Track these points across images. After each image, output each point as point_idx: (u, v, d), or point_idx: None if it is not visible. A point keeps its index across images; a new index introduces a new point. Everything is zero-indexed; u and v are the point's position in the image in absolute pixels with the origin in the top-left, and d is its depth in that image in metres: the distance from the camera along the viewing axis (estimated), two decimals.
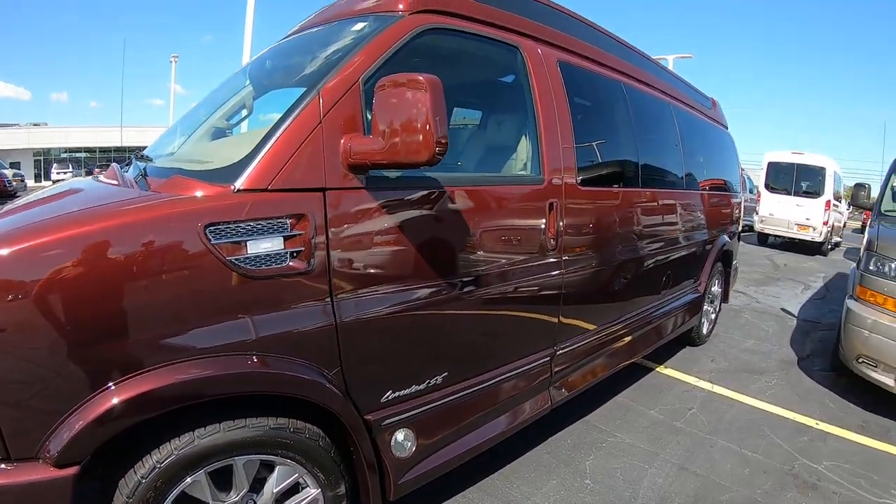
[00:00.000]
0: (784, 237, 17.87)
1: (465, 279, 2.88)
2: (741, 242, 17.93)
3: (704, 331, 6.78)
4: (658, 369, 5.90)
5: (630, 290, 4.62)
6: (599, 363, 4.32)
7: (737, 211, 7.54)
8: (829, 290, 11.33)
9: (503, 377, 3.30)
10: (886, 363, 4.98)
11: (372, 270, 2.43)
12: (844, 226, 22.64)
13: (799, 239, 17.31)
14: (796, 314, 9.01)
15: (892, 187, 6.78)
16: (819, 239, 16.91)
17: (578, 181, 3.61)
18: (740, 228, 7.98)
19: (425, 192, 2.62)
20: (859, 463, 4.26)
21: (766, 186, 17.89)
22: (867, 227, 6.36)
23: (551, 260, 3.43)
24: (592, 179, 3.92)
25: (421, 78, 2.05)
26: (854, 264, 6.14)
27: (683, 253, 5.54)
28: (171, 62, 50.24)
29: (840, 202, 18.57)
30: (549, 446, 4.15)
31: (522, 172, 3.45)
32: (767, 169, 17.98)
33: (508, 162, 3.58)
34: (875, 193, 7.01)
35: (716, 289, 7.00)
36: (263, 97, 3.40)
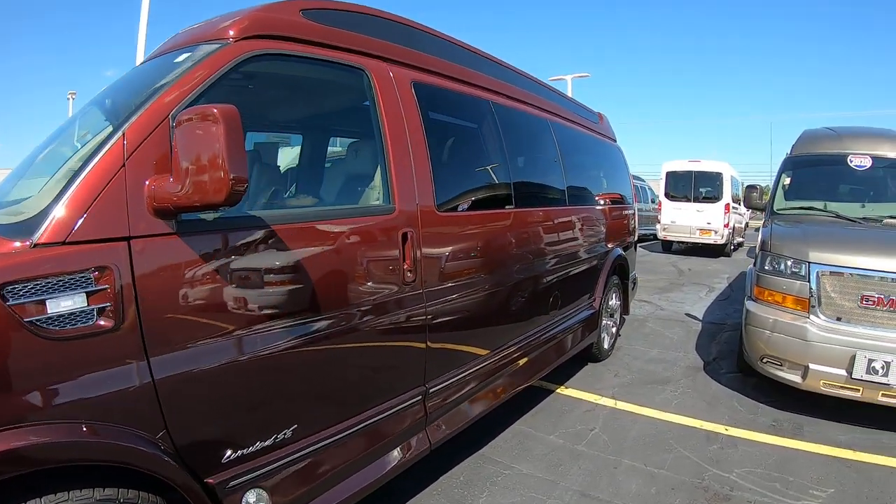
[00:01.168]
0: (687, 243, 18.39)
1: (306, 322, 2.62)
2: (645, 251, 18.45)
3: (606, 345, 6.64)
4: (559, 390, 5.69)
5: (513, 315, 4.42)
6: (486, 393, 4.09)
7: (631, 222, 7.52)
8: (734, 290, 11.51)
9: (366, 423, 3.03)
10: (791, 360, 4.96)
11: (190, 322, 2.18)
12: (746, 226, 23.53)
13: (702, 243, 17.81)
14: (701, 318, 9.05)
15: (783, 186, 6.87)
16: (721, 241, 17.43)
17: (437, 207, 3.41)
18: (636, 239, 7.97)
19: (249, 233, 2.38)
20: (773, 465, 4.16)
21: (666, 195, 18.38)
22: (761, 227, 6.42)
23: (410, 293, 3.20)
24: (456, 204, 3.73)
25: (214, 110, 1.89)
26: (751, 266, 6.16)
27: (571, 270, 5.40)
28: (68, 99, 48.05)
29: (739, 204, 19.16)
30: (440, 485, 3.86)
31: (371, 203, 3.23)
32: (666, 178, 18.52)
33: (355, 192, 3.38)
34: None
35: (614, 302, 6.88)
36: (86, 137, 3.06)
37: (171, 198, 1.99)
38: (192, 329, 2.18)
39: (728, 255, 18.21)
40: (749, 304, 5.46)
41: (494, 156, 4.36)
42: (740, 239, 21.30)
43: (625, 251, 7.04)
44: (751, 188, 7.19)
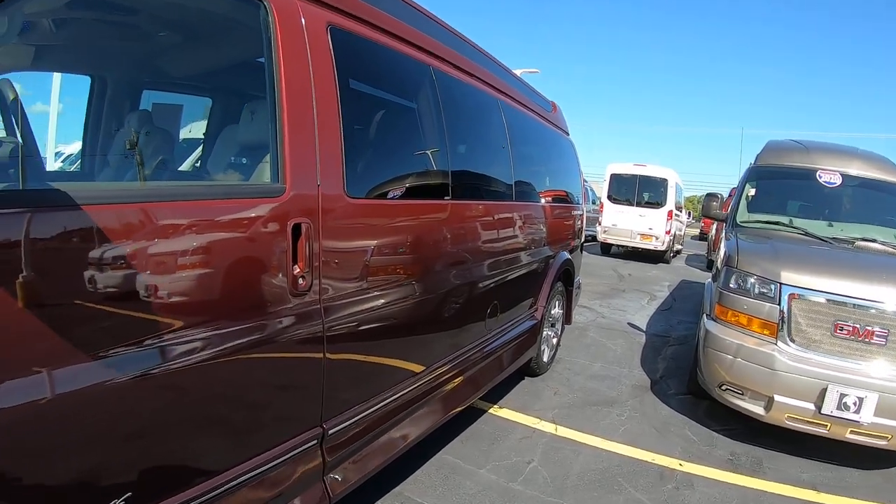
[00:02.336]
0: (627, 247, 18.03)
1: (128, 351, 1.75)
2: (585, 253, 18.08)
3: (546, 358, 5.99)
4: (492, 410, 5.01)
5: (438, 331, 3.70)
6: (404, 429, 3.34)
7: (578, 223, 6.90)
8: (676, 300, 11.11)
9: (231, 485, 2.13)
10: (754, 390, 4.47)
11: None
12: (684, 234, 23.40)
13: (642, 248, 17.47)
14: (644, 328, 8.53)
15: (747, 197, 6.37)
16: (662, 248, 17.16)
17: (347, 191, 2.62)
18: (582, 241, 7.35)
19: (36, 216, 1.53)
20: None
21: (609, 198, 18.02)
22: (723, 240, 5.89)
23: (301, 307, 2.39)
24: (375, 190, 3.02)
25: None
26: (709, 279, 5.64)
27: (514, 275, 4.73)
28: None
29: (681, 212, 19.00)
30: None
31: (250, 181, 2.50)
32: (610, 180, 18.16)
33: (231, 167, 2.67)
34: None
35: (557, 311, 6.24)
36: None
37: None
38: None
39: (667, 262, 18.01)
40: (709, 325, 4.90)
41: (431, 134, 3.62)
42: (679, 246, 21.22)
43: (571, 255, 6.40)
44: (711, 196, 6.62)
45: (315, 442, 2.57)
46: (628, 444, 4.54)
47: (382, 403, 3.07)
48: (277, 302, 2.27)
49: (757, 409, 4.48)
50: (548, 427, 4.76)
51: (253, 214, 2.16)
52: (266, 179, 2.40)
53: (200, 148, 3.21)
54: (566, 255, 6.11)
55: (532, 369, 5.79)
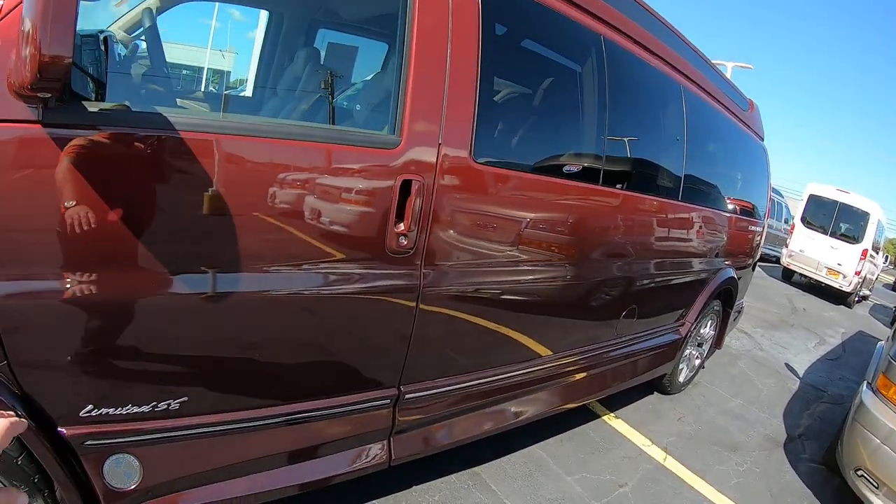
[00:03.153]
0: (810, 278, 16.40)
1: (221, 273, 1.93)
2: (763, 274, 16.75)
3: (682, 378, 5.44)
4: (605, 417, 4.60)
5: (552, 325, 3.36)
6: (489, 415, 3.11)
7: (757, 240, 6.14)
8: (846, 352, 9.90)
9: (296, 416, 2.27)
10: (893, 487, 3.67)
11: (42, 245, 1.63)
12: (877, 279, 20.99)
13: (826, 284, 15.81)
14: (801, 374, 7.60)
15: None
16: (847, 288, 15.42)
17: (474, 155, 2.38)
18: (756, 261, 6.52)
19: (146, 138, 1.70)
20: None
21: (803, 220, 16.43)
22: None
23: (398, 267, 2.30)
24: (509, 158, 2.73)
25: None
26: (884, 341, 4.80)
27: (659, 283, 4.23)
28: None
29: (878, 253, 17.05)
30: (401, 499, 2.96)
31: (373, 130, 2.36)
32: (807, 202, 16.49)
33: (346, 112, 2.59)
34: None
35: (707, 330, 5.59)
36: None
37: (9, 75, 1.45)
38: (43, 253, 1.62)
39: (849, 306, 16.17)
40: (866, 395, 4.11)
41: (588, 110, 3.20)
42: (867, 291, 19.03)
43: (738, 273, 5.70)
44: None
45: (389, 401, 2.52)
46: (735, 501, 3.97)
47: (470, 383, 2.88)
48: (375, 256, 2.23)
49: None
50: (657, 454, 4.28)
51: (361, 165, 2.13)
52: (385, 130, 2.23)
53: (348, 91, 3.03)
54: (731, 272, 5.43)
55: (664, 386, 5.28)
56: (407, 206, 2.18)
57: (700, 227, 4.55)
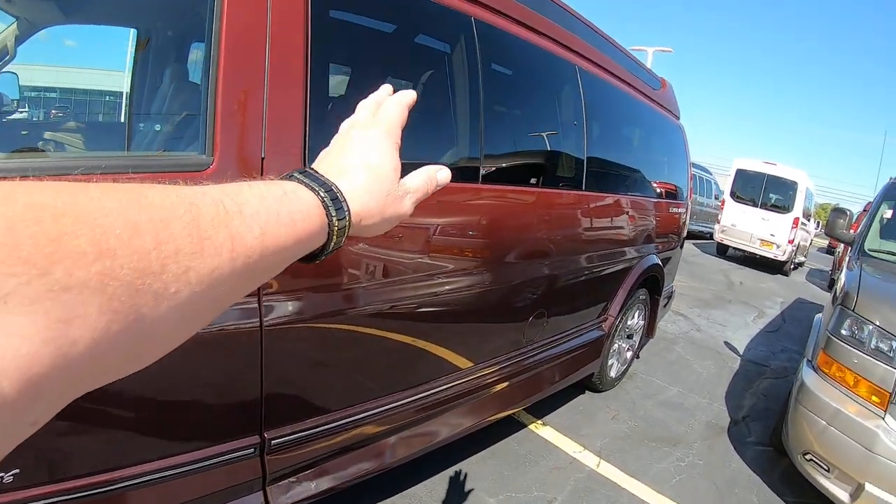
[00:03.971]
0: (745, 251, 16.60)
1: None
2: (697, 251, 16.82)
3: (613, 373, 5.17)
4: (532, 426, 4.30)
5: (452, 338, 3.02)
6: (394, 444, 2.76)
7: (680, 223, 5.94)
8: (786, 321, 9.88)
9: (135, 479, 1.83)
10: (844, 470, 3.47)
11: None
12: (810, 245, 21.34)
13: (760, 255, 16.01)
14: (741, 351, 7.46)
15: (881, 220, 5.21)
16: (782, 257, 15.60)
17: (308, 165, 1.94)
18: (682, 242, 6.32)
19: None
20: None
21: (732, 195, 16.62)
22: (844, 269, 4.75)
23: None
24: None
25: None
26: (821, 314, 4.62)
27: (576, 279, 3.94)
28: None
29: (809, 220, 17.28)
30: None
31: (166, 152, 2.01)
32: (735, 176, 16.71)
33: (143, 134, 2.24)
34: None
35: (635, 321, 5.35)
36: None
37: None
38: None
39: (786, 274, 16.36)
40: (807, 374, 3.92)
41: (459, 100, 2.84)
42: (802, 258, 19.32)
43: (664, 259, 5.49)
44: (838, 211, 5.34)
45: (253, 450, 2.13)
46: (676, 501, 3.72)
47: (358, 416, 2.52)
48: None
49: (841, 494, 3.49)
50: (590, 460, 4.00)
51: None
52: (193, 149, 1.80)
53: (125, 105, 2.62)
54: (655, 259, 5.20)
55: (594, 384, 4.99)
56: None
57: (612, 215, 4.29)
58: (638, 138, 5.12)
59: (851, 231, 5.35)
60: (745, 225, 16.07)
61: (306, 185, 0.58)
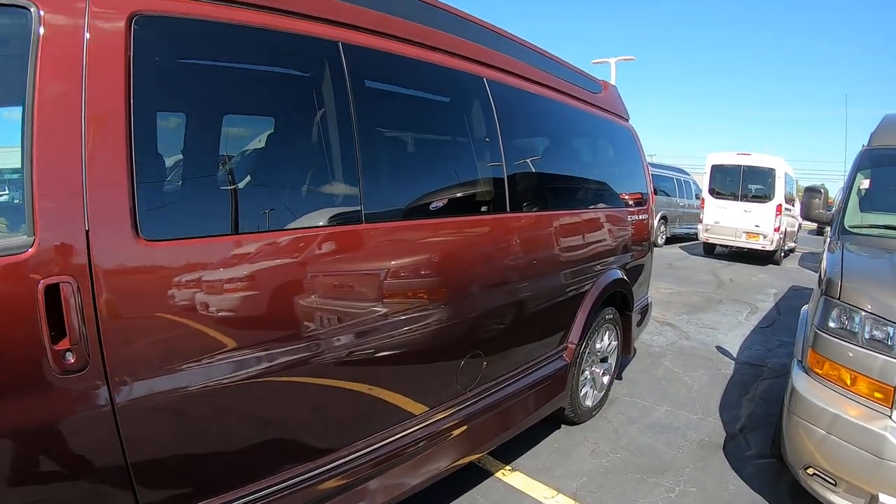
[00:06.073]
0: (732, 247, 16.30)
1: None
2: (685, 254, 16.43)
3: (590, 402, 4.72)
4: (499, 473, 3.85)
5: (381, 394, 2.63)
6: None
7: (644, 231, 5.55)
8: (781, 313, 9.44)
9: None
10: (852, 482, 3.02)
11: None
12: (799, 229, 20.96)
13: (748, 248, 15.68)
14: (735, 354, 7.00)
15: (858, 192, 4.79)
16: (770, 247, 15.27)
17: (140, 231, 1.75)
18: (650, 251, 5.92)
19: None
20: None
21: (711, 191, 16.38)
22: (825, 253, 4.34)
23: (76, 388, 1.66)
24: (200, 218, 2.04)
25: None
26: (807, 306, 4.20)
27: (519, 311, 3.54)
28: None
29: (793, 205, 16.96)
30: None
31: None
32: (711, 172, 16.48)
33: None
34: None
35: (606, 343, 4.91)
36: None
37: None
38: None
39: (777, 264, 15.97)
40: (797, 378, 3.46)
41: (331, 127, 2.47)
42: (792, 244, 18.93)
43: (632, 270, 5.09)
44: (812, 191, 4.92)
45: None
46: None
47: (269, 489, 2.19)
48: (40, 384, 1.61)
49: None
50: None
51: None
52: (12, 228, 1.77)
53: None
54: (617, 273, 4.80)
55: (569, 418, 4.54)
56: (64, 316, 1.61)
57: (552, 235, 3.88)
58: (578, 146, 4.76)
59: (831, 209, 4.95)
60: (728, 220, 15.80)
61: None
